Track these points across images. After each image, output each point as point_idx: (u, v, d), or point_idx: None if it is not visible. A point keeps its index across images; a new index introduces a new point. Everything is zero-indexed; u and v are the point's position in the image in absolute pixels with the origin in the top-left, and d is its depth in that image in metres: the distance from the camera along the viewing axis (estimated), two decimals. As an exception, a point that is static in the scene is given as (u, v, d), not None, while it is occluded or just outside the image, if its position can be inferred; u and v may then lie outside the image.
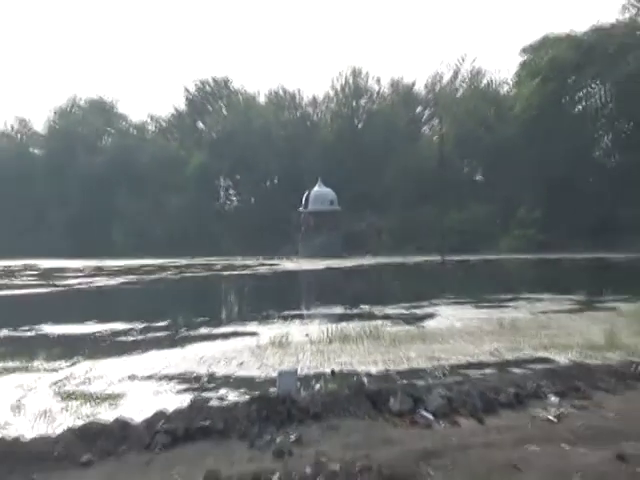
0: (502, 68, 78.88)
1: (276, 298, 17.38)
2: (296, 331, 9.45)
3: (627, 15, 43.90)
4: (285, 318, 11.36)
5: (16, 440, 4.10)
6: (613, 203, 39.90)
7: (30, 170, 62.91)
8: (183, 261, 39.91)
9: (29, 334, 10.28)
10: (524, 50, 49.34)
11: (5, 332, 10.37)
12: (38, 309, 15.63)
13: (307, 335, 8.90)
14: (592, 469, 3.37)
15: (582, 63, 43.56)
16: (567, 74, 45.12)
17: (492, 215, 44.07)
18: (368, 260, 36.89)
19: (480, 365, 6.65)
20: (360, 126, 57.64)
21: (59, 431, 4.40)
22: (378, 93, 59.38)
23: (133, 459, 3.84)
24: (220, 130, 60.04)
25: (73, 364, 7.40)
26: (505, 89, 54.26)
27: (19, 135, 70.53)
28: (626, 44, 41.53)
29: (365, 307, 12.79)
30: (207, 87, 65.38)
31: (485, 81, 55.01)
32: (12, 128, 70.09)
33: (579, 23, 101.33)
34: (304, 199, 44.93)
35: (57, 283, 22.90)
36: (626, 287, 14.81)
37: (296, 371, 5.30)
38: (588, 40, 44.40)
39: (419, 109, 59.14)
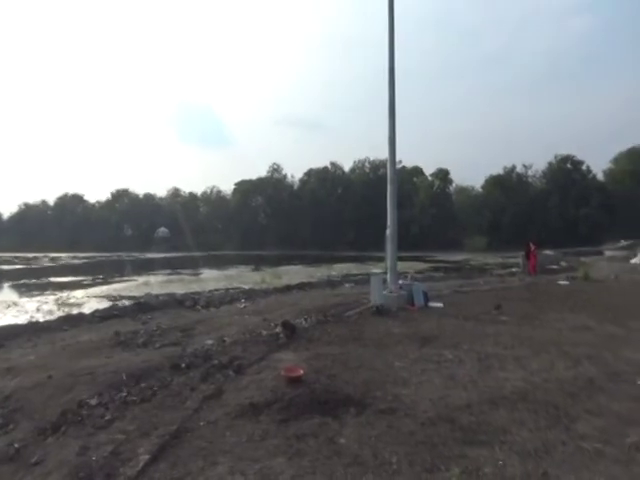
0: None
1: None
2: (152, 278, 19.78)
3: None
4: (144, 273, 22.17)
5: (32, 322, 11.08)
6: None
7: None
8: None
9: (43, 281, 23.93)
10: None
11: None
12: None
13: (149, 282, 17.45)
14: (258, 325, 10.88)
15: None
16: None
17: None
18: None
19: (218, 289, 15.50)
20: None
21: (53, 317, 11.47)
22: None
23: (87, 325, 10.95)
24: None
25: (62, 291, 15.81)
26: None
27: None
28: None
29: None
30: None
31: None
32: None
33: None
34: None
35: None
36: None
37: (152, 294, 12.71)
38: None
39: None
